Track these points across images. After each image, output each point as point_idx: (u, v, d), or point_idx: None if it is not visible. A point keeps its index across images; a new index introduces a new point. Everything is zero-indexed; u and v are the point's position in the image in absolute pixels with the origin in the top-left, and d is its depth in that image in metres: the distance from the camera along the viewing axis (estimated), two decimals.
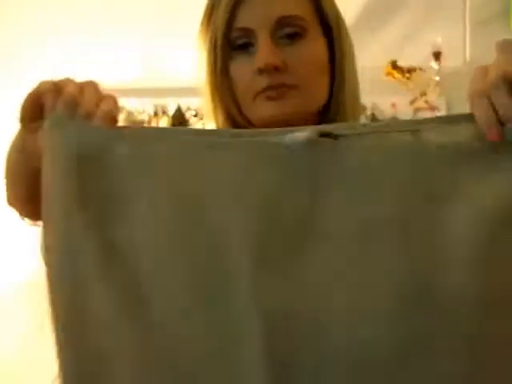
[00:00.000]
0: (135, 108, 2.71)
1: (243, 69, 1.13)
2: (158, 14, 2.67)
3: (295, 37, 1.13)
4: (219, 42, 1.14)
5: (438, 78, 2.58)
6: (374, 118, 2.67)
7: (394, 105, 2.66)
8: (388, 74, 2.59)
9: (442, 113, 2.65)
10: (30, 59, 2.77)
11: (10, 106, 2.60)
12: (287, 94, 1.12)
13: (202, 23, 1.19)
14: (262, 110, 1.13)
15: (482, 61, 2.57)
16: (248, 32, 1.13)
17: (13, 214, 1.11)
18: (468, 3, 2.76)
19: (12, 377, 2.65)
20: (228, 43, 1.14)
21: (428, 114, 2.64)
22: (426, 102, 2.60)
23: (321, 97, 1.17)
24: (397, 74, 2.58)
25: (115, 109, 0.95)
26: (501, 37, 2.45)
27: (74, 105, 0.93)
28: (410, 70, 2.58)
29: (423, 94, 2.59)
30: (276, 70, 1.10)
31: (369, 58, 2.70)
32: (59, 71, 2.56)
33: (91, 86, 0.97)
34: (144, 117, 2.71)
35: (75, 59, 2.75)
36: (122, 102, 2.74)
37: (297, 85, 1.12)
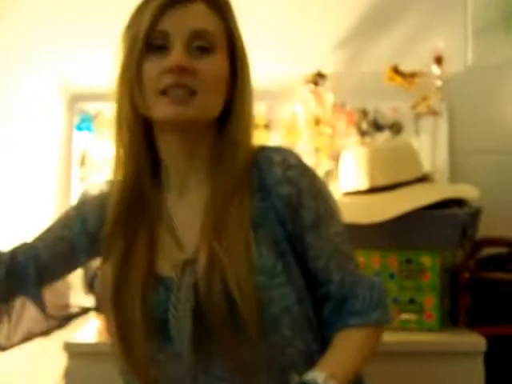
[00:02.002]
0: None
1: (154, 66, 1.31)
2: None
3: (205, 51, 1.32)
4: (139, 39, 1.32)
5: (439, 83, 2.57)
6: (375, 122, 2.67)
7: (395, 109, 2.65)
8: (389, 78, 2.58)
9: (443, 117, 2.65)
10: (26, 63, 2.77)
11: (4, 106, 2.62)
12: (190, 101, 1.29)
13: (126, 25, 1.39)
14: (163, 110, 1.30)
15: (484, 66, 2.59)
16: (166, 35, 1.31)
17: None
18: (470, 8, 2.75)
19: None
20: (146, 44, 1.31)
21: (429, 119, 2.64)
22: (428, 106, 2.59)
23: (216, 107, 1.35)
24: (398, 79, 2.57)
25: None
26: (502, 42, 2.47)
27: None
28: (412, 75, 2.57)
29: (425, 98, 2.58)
30: (183, 70, 1.28)
31: (370, 62, 2.70)
32: (53, 74, 2.56)
33: None
34: None
35: (66, 62, 2.75)
36: (111, 106, 2.74)
37: (197, 91, 1.30)
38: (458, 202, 2.23)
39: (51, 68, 2.76)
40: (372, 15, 2.72)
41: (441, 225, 2.11)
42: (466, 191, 2.28)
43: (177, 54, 1.29)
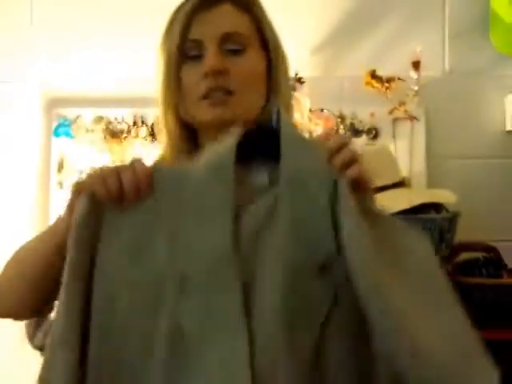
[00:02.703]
0: (115, 117, 2.70)
1: (192, 74, 1.32)
2: (139, 26, 2.67)
3: (237, 51, 1.33)
4: (173, 52, 1.34)
5: (416, 88, 2.59)
6: (352, 127, 2.67)
7: (372, 114, 2.66)
8: (367, 83, 2.59)
9: (420, 122, 2.66)
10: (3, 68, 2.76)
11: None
12: (228, 101, 1.30)
13: (162, 37, 1.39)
14: (205, 113, 1.31)
15: (461, 70, 2.60)
16: (199, 44, 1.33)
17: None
18: (447, 13, 2.77)
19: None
20: (181, 54, 1.34)
21: (407, 124, 2.65)
22: (405, 111, 2.60)
23: (257, 104, 1.36)
24: (376, 84, 2.58)
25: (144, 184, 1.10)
26: (480, 47, 2.49)
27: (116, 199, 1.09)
28: (389, 80, 2.58)
29: (402, 103, 2.59)
30: (219, 73, 1.30)
31: (348, 67, 2.71)
32: (46, 80, 2.56)
33: (129, 173, 1.10)
34: (123, 126, 2.71)
35: (63, 68, 2.75)
36: (102, 111, 2.74)
37: (236, 91, 1.31)
38: (436, 207, 2.24)
39: (29, 73, 2.76)
40: (350, 20, 2.73)
41: (418, 229, 2.12)
42: (444, 196, 2.29)
43: (210, 59, 1.31)
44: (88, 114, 2.74)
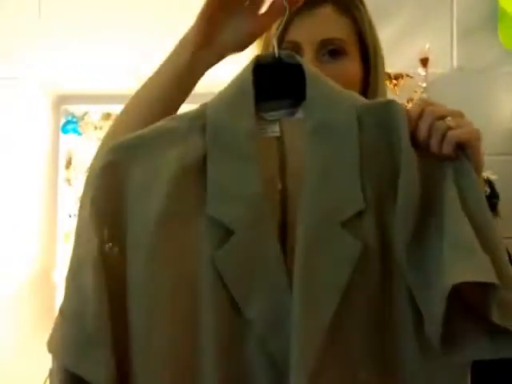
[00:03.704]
0: None
1: None
2: (151, 24, 2.67)
3: (336, 56, 1.31)
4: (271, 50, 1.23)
5: (424, 85, 2.58)
6: None
7: None
8: None
9: None
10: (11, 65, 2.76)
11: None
12: None
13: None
14: None
15: (469, 67, 2.59)
16: (296, 45, 1.31)
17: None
18: (455, 10, 2.76)
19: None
20: None
21: None
22: None
23: None
24: None
25: None
26: (488, 44, 2.48)
27: None
28: (397, 77, 2.58)
29: (410, 100, 2.59)
30: None
31: None
32: (53, 77, 2.55)
33: None
34: None
35: (70, 65, 2.75)
36: (110, 108, 2.74)
37: None
38: None
39: (37, 70, 2.76)
40: None
41: None
42: None
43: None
44: (96, 111, 2.75)
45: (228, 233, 1.01)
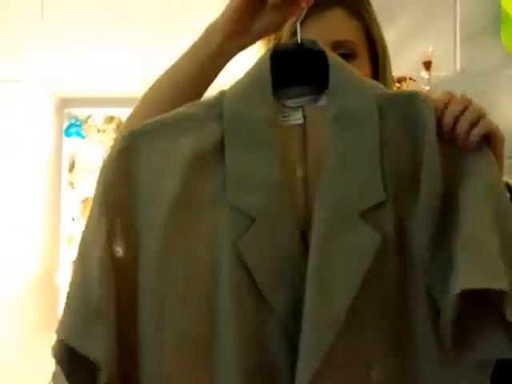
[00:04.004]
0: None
1: None
2: (154, 27, 2.67)
3: (347, 58, 1.24)
4: None
5: (428, 88, 2.58)
6: None
7: None
8: None
9: None
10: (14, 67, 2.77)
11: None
12: None
13: (266, 40, 1.32)
14: None
15: (473, 70, 2.59)
16: None
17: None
18: (459, 13, 2.76)
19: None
20: None
21: None
22: None
23: None
24: None
25: None
26: (491, 47, 2.47)
27: None
28: (400, 80, 2.58)
29: None
30: None
31: None
32: (56, 80, 2.54)
33: None
34: None
35: (73, 67, 2.75)
36: (113, 111, 2.74)
37: None
38: None
39: (40, 73, 2.76)
40: None
41: None
42: None
43: None
44: (99, 114, 2.75)
45: (249, 221, 1.00)
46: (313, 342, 0.96)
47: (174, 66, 1.26)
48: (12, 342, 2.68)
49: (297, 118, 1.11)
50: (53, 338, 0.98)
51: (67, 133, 2.74)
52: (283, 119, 1.11)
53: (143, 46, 2.71)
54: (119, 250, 1.01)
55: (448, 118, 1.03)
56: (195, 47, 1.23)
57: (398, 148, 1.05)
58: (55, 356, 0.99)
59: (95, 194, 1.03)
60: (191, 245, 1.01)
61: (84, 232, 1.03)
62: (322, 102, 1.12)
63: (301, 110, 1.12)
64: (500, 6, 2.70)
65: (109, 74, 2.75)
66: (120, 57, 2.76)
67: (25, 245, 2.71)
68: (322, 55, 1.11)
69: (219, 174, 1.03)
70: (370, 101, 1.07)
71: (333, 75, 1.09)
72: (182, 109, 1.09)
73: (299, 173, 1.07)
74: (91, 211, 1.03)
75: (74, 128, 2.75)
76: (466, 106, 1.05)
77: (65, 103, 2.80)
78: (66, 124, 2.77)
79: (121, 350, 0.97)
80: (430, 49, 2.60)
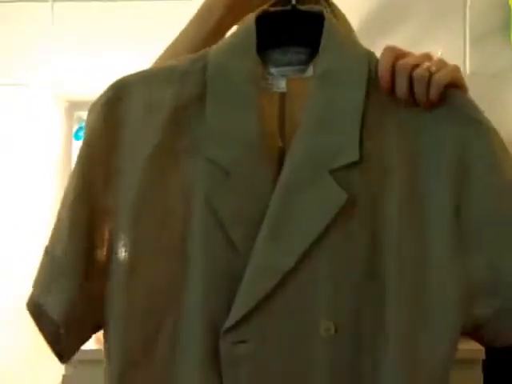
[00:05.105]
0: None
1: None
2: (164, 33, 2.67)
3: None
4: None
5: None
6: None
7: None
8: None
9: None
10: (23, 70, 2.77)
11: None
12: None
13: None
14: None
15: (482, 73, 2.58)
16: None
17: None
18: (468, 17, 2.76)
19: None
20: None
21: None
22: None
23: None
24: None
25: None
26: (500, 50, 2.47)
27: None
28: None
29: None
30: None
31: None
32: (67, 82, 2.54)
33: None
34: None
35: (83, 71, 2.76)
36: None
37: None
38: None
39: (50, 76, 2.77)
40: (370, 23, 2.72)
41: None
42: None
43: None
44: None
45: (224, 174, 1.00)
46: (250, 286, 0.96)
47: (178, 39, 1.27)
48: (12, 351, 2.69)
49: (280, 87, 1.09)
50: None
51: (77, 136, 2.74)
52: (266, 85, 1.10)
53: (152, 51, 2.71)
54: (99, 202, 1.03)
55: (402, 84, 1.02)
56: (198, 19, 1.23)
57: (388, 111, 1.05)
58: (28, 310, 1.02)
59: (80, 148, 1.08)
60: (167, 194, 1.02)
61: (65, 191, 1.06)
62: (309, 72, 1.10)
63: (285, 79, 1.10)
64: (510, 9, 2.70)
65: (119, 77, 2.74)
66: (129, 61, 2.76)
67: (33, 248, 2.71)
68: (319, 20, 1.10)
69: (198, 126, 1.04)
70: (362, 61, 1.06)
71: (325, 40, 1.08)
72: (167, 63, 1.09)
73: (278, 142, 1.06)
74: (76, 164, 1.06)
75: (83, 131, 2.75)
76: (414, 64, 1.05)
77: (74, 106, 2.80)
78: (75, 127, 2.76)
79: (92, 302, 1.01)
80: (440, 52, 2.59)
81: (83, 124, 2.76)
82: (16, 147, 2.74)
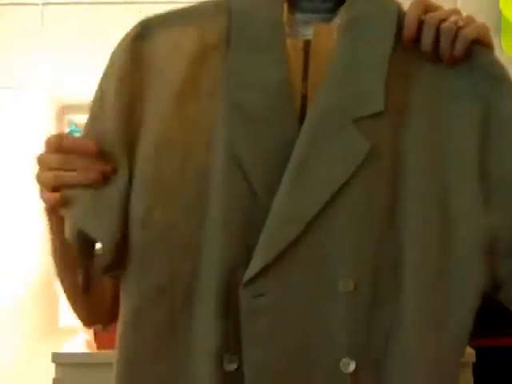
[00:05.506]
0: None
1: None
2: None
3: None
4: None
5: None
6: None
7: None
8: None
9: None
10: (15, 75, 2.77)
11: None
12: None
13: None
14: None
15: None
16: None
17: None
18: None
19: None
20: None
21: None
22: None
23: None
24: None
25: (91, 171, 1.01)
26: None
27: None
28: None
29: None
30: None
31: None
32: (57, 86, 2.54)
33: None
34: None
35: (74, 74, 2.76)
36: None
37: None
38: None
39: (41, 79, 2.77)
40: None
41: None
42: None
43: None
44: None
45: (246, 117, 0.99)
46: (272, 235, 0.95)
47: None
48: (10, 351, 2.68)
49: (306, 33, 1.07)
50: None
51: None
52: (292, 31, 1.07)
53: None
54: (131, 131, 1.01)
55: (428, 36, 1.00)
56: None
57: (412, 68, 1.02)
58: (69, 237, 1.02)
59: (105, 79, 1.07)
60: (189, 131, 1.01)
61: (94, 103, 1.07)
62: (336, 21, 1.07)
63: (311, 26, 1.07)
64: (500, 12, 2.71)
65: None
66: None
67: (26, 249, 2.70)
68: None
69: (222, 69, 1.02)
70: (391, 9, 1.03)
71: None
72: (190, 5, 1.08)
73: (300, 88, 1.04)
74: (103, 86, 1.07)
75: (74, 134, 2.75)
76: (443, 17, 1.00)
77: (66, 110, 2.80)
78: (66, 130, 2.76)
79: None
80: None
81: (74, 127, 2.76)
82: (6, 149, 2.75)
